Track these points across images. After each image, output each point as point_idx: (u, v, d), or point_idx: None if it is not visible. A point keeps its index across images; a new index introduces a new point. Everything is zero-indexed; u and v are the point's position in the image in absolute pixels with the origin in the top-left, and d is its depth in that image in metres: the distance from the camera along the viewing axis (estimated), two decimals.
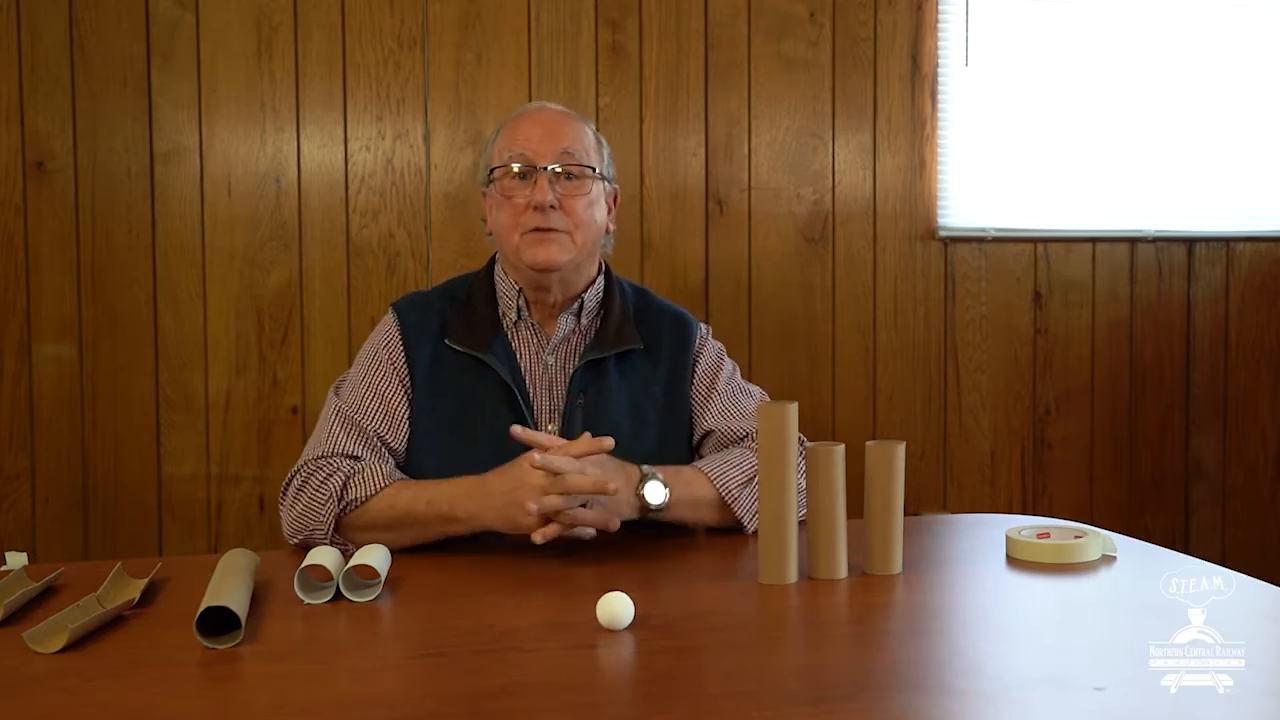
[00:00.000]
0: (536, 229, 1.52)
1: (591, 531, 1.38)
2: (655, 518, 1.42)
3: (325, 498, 1.43)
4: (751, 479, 1.48)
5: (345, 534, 1.44)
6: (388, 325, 1.60)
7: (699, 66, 2.54)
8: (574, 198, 1.55)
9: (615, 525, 1.38)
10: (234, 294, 2.38)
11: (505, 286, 1.60)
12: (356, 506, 1.43)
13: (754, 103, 2.57)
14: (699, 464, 1.52)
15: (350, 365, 1.65)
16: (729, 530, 1.50)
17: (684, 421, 1.61)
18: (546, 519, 1.33)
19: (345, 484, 1.43)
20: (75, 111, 2.32)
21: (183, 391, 2.37)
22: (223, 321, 2.38)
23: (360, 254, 2.42)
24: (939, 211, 2.66)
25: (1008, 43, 2.68)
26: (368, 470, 1.45)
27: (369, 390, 1.55)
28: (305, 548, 1.42)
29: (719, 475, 1.48)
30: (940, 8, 2.64)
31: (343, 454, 1.49)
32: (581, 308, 1.60)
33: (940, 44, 2.64)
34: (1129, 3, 2.73)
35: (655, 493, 1.41)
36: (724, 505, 1.48)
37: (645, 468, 1.42)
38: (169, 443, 2.37)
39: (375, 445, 1.52)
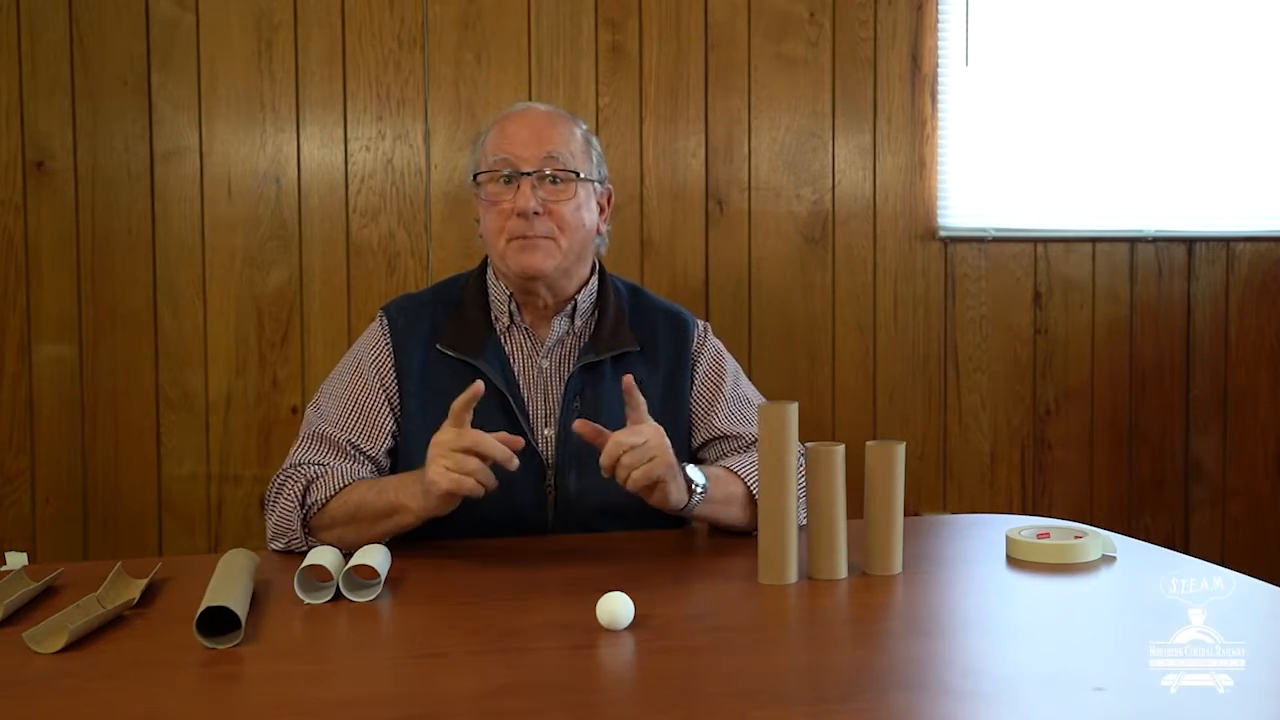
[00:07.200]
0: (521, 236, 1.50)
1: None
2: (687, 512, 1.40)
3: (291, 504, 1.43)
4: None
5: (314, 537, 1.43)
6: (376, 332, 1.58)
7: (699, 66, 2.54)
8: (559, 203, 1.51)
9: (657, 471, 1.32)
10: (234, 294, 2.38)
11: (497, 290, 1.58)
12: (319, 509, 1.43)
13: (754, 103, 2.57)
14: (725, 462, 1.52)
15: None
16: (730, 531, 1.49)
17: (683, 425, 1.59)
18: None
19: (307, 488, 1.43)
20: (75, 111, 2.32)
21: (183, 391, 2.37)
22: (223, 321, 2.38)
23: (360, 254, 2.42)
24: (939, 211, 2.66)
25: (1008, 43, 2.68)
26: (330, 473, 1.45)
27: (349, 401, 1.53)
28: (285, 553, 1.44)
29: (750, 473, 1.47)
30: (940, 8, 2.64)
31: (312, 463, 1.49)
32: (575, 309, 1.57)
33: (940, 44, 2.64)
34: (1129, 3, 2.73)
35: (696, 474, 1.39)
36: (752, 502, 1.46)
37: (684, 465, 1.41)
38: (169, 442, 2.37)
39: (348, 452, 1.50)
